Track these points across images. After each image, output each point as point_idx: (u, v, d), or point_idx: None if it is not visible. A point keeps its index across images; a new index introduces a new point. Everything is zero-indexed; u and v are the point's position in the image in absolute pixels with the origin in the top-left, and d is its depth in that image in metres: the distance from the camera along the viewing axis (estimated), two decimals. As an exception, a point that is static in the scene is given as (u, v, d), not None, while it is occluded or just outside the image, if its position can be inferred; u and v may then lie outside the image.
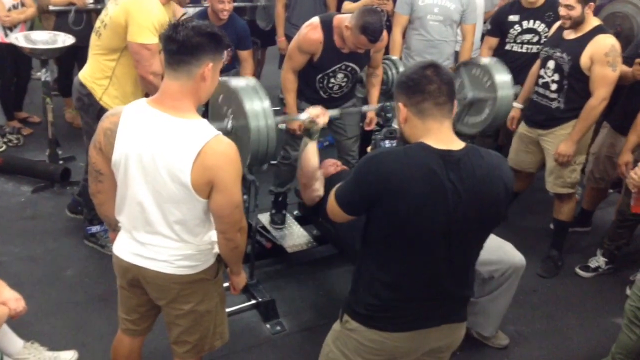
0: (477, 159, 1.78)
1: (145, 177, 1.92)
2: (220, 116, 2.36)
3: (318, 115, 2.84)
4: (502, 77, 2.76)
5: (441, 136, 1.78)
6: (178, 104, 1.87)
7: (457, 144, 1.80)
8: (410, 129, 1.83)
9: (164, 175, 1.88)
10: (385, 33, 3.32)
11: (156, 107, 1.90)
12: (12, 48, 4.48)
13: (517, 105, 3.91)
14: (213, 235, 2.07)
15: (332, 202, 1.91)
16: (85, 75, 3.33)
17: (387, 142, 2.86)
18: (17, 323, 2.57)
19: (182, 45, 1.80)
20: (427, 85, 1.76)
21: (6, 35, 4.60)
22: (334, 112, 3.09)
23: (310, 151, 2.80)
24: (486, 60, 2.78)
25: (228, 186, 1.88)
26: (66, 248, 3.63)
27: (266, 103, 2.24)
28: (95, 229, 3.64)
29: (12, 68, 4.77)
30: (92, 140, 2.03)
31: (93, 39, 3.31)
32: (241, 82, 2.29)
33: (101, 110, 3.26)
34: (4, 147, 4.75)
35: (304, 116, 2.87)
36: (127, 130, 1.92)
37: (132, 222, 2.04)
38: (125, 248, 2.11)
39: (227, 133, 2.34)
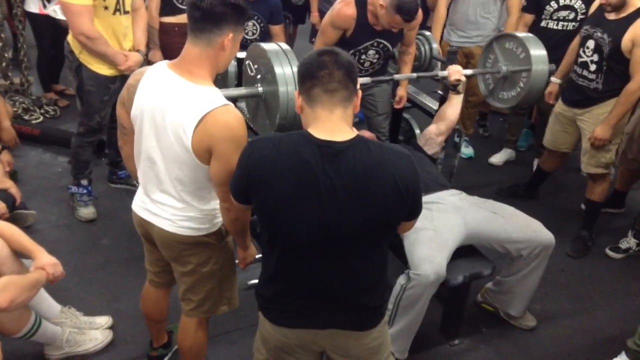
0: (363, 153, 1.64)
1: (156, 135, 1.96)
2: (252, 81, 2.38)
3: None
4: (537, 50, 2.68)
5: (329, 125, 1.66)
6: (194, 70, 1.90)
7: (344, 135, 1.66)
8: (304, 118, 1.73)
9: (171, 136, 1.91)
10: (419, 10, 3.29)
11: (174, 70, 1.93)
12: (51, 20, 4.54)
13: (555, 80, 3.85)
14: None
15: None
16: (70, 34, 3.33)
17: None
18: (54, 288, 2.65)
19: (205, 13, 1.82)
20: (318, 70, 1.65)
21: (45, 6, 4.63)
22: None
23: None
24: (520, 33, 2.72)
25: (226, 155, 1.86)
26: (102, 217, 3.71)
27: (296, 68, 2.26)
28: (74, 189, 3.68)
29: (51, 40, 4.80)
30: (120, 95, 2.10)
31: None
32: (273, 47, 2.30)
33: (79, 67, 3.28)
34: (41, 118, 4.84)
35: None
36: (145, 87, 1.97)
37: (144, 177, 2.10)
38: (139, 202, 2.18)
39: (258, 97, 2.35)
